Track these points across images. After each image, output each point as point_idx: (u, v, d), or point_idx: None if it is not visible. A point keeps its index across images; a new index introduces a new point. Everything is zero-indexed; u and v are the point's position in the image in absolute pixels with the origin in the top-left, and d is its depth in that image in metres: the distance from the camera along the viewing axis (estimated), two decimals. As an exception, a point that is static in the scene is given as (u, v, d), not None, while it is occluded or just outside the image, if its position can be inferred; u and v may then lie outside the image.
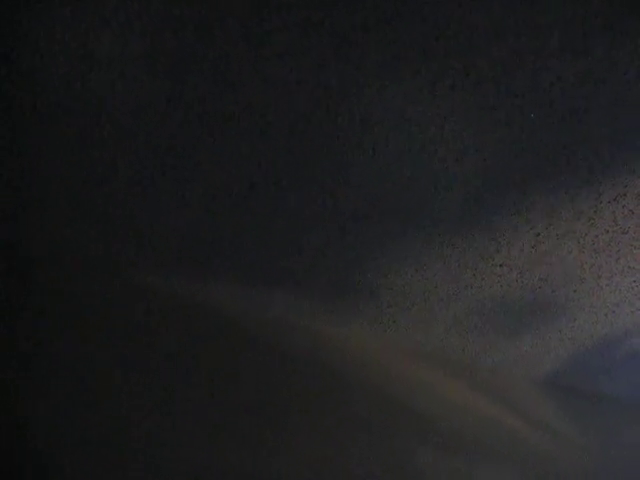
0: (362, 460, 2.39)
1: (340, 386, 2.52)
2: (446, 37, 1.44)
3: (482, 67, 1.50)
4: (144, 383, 2.08)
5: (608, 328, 2.75)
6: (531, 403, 3.13)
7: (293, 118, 1.64)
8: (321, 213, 1.97)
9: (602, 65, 1.49)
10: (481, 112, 1.62)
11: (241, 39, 1.44)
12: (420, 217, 1.99)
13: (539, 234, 2.08)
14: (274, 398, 2.32)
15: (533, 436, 3.00)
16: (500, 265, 2.24)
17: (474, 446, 2.75)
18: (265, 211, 1.96)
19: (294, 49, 1.47)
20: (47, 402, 1.91)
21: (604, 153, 1.76)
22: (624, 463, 3.27)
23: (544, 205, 1.95)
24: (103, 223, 2.01)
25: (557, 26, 1.40)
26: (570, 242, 2.13)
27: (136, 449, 1.97)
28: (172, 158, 1.76)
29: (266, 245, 2.11)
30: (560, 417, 3.19)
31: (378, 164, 1.78)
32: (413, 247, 2.13)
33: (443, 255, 2.17)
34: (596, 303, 2.53)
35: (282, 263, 2.20)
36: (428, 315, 2.54)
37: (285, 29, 1.43)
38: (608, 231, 2.08)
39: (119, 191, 1.88)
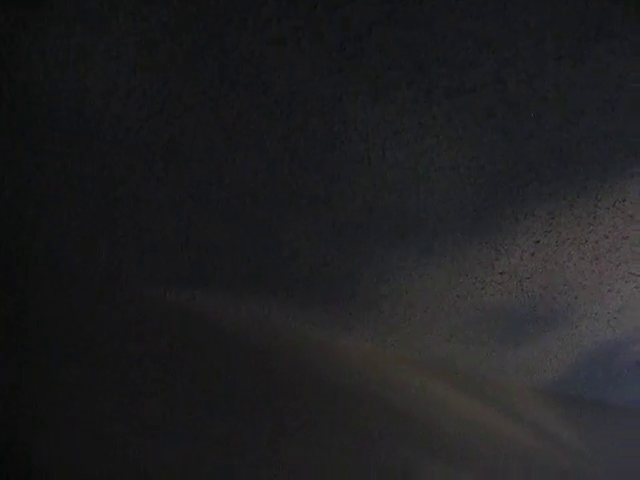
0: (362, 469, 2.37)
1: (340, 395, 2.50)
2: (440, 46, 1.43)
3: (476, 75, 1.50)
4: (140, 391, 2.06)
5: (610, 335, 2.73)
6: (534, 412, 3.11)
7: (288, 128, 1.64)
8: (318, 223, 1.96)
9: (597, 71, 1.49)
10: (477, 120, 1.61)
11: (234, 50, 1.44)
12: (418, 226, 1.98)
13: (538, 241, 2.07)
14: (273, 408, 2.30)
15: (536, 445, 2.97)
16: (500, 273, 2.22)
17: (476, 455, 2.72)
18: (262, 221, 1.95)
19: (288, 60, 1.47)
20: (41, 409, 1.89)
21: (601, 159, 1.75)
22: (629, 471, 3.24)
23: (543, 212, 1.94)
24: (99, 232, 2.00)
25: (550, 33, 1.40)
26: (570, 249, 2.12)
27: (130, 457, 1.94)
28: (168, 169, 1.76)
29: (263, 255, 2.10)
30: (563, 426, 3.16)
31: (374, 174, 1.77)
32: (412, 256, 2.12)
33: (442, 264, 2.16)
34: (598, 310, 2.51)
35: (280, 273, 2.19)
36: (428, 324, 2.53)
37: (279, 40, 1.43)
38: (608, 237, 2.07)
39: (115, 200, 1.87)
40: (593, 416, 3.35)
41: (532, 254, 2.13)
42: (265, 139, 1.67)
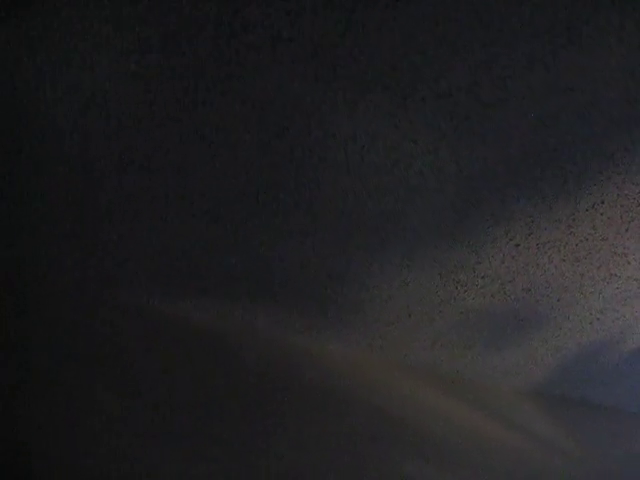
0: (351, 474, 2.36)
1: (327, 400, 2.49)
2: (415, 50, 1.44)
3: (452, 79, 1.50)
4: (133, 403, 2.05)
5: (594, 336, 2.74)
6: (521, 414, 3.12)
7: (266, 135, 1.63)
8: (299, 229, 1.96)
9: (571, 74, 1.50)
10: (454, 124, 1.62)
11: (210, 57, 1.44)
12: (399, 231, 1.98)
13: (519, 245, 2.07)
14: (260, 414, 2.29)
15: (523, 446, 2.98)
16: (482, 277, 2.23)
17: (463, 459, 2.72)
18: (243, 227, 1.95)
19: (264, 66, 1.47)
20: (34, 419, 1.87)
21: (578, 161, 1.76)
22: (615, 471, 3.25)
23: (522, 215, 1.95)
24: (89, 242, 1.99)
25: (524, 36, 1.41)
26: (550, 251, 2.13)
27: (125, 470, 1.93)
28: (151, 176, 1.75)
29: (245, 262, 2.09)
30: (550, 427, 3.17)
31: (354, 179, 1.78)
32: (394, 261, 2.12)
33: (424, 268, 2.16)
34: (580, 311, 2.52)
35: (262, 279, 2.18)
36: (413, 329, 2.53)
37: (254, 46, 1.43)
38: (588, 239, 2.08)
39: (105, 210, 1.86)
40: (579, 416, 3.36)
41: (513, 257, 2.14)
42: (243, 146, 1.67)
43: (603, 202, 1.92)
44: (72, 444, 1.90)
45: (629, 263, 2.25)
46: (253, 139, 1.65)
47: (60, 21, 1.34)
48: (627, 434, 3.53)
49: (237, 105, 1.55)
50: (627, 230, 2.06)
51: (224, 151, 1.68)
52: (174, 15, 1.35)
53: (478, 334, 2.60)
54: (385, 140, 1.66)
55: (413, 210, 1.90)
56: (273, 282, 2.20)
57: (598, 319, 2.60)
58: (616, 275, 2.32)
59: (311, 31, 1.40)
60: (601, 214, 1.97)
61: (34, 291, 2.09)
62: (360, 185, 1.80)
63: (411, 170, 1.76)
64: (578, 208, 1.94)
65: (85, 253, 2.02)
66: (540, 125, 1.64)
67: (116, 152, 1.66)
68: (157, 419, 2.09)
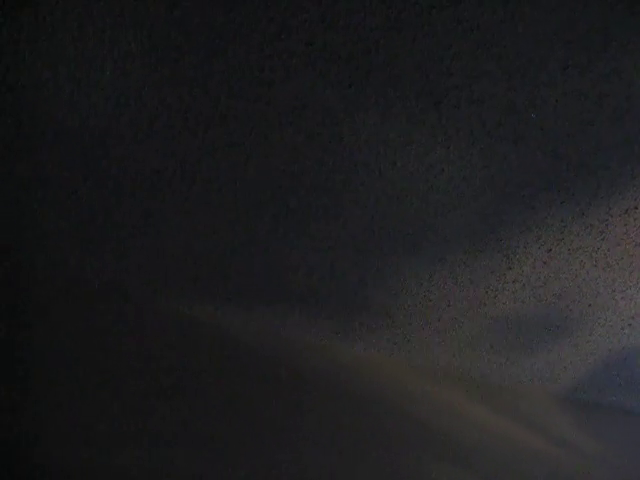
0: (376, 477, 2.36)
1: (354, 405, 2.50)
2: (448, 56, 1.45)
3: (485, 85, 1.51)
4: (151, 408, 2.07)
5: (625, 342, 2.71)
6: (550, 420, 3.09)
7: (297, 140, 1.65)
8: (329, 233, 1.97)
9: (605, 79, 1.49)
10: (486, 129, 1.62)
11: (242, 63, 1.46)
12: (430, 236, 1.99)
13: (550, 250, 2.06)
14: (287, 419, 2.30)
15: (553, 453, 2.95)
16: (512, 282, 2.22)
17: (491, 464, 2.70)
18: (273, 232, 1.96)
19: (297, 72, 1.49)
20: (44, 421, 1.90)
21: (612, 166, 1.75)
22: (648, 479, 3.20)
23: (554, 220, 1.94)
24: (107, 247, 2.02)
25: (558, 42, 1.41)
26: (582, 256, 2.11)
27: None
28: (176, 182, 1.78)
29: (274, 267, 2.11)
30: (580, 434, 3.13)
31: (385, 184, 1.78)
32: (424, 266, 2.12)
33: (454, 273, 2.16)
34: (611, 317, 2.50)
35: (291, 285, 2.20)
36: (441, 333, 2.52)
37: (287, 53, 1.45)
38: (620, 244, 2.07)
39: (123, 215, 1.89)
40: (610, 422, 3.32)
41: (544, 262, 2.12)
42: (275, 151, 1.68)
43: (636, 207, 1.90)
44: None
45: (662, 269, 2.22)
46: (285, 144, 1.66)
47: (75, 20, 1.37)
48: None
49: (269, 110, 1.57)
50: (660, 235, 2.04)
51: (255, 156, 1.70)
52: (206, 21, 1.37)
53: (508, 339, 2.59)
54: (417, 146, 1.67)
55: (444, 215, 1.91)
56: (301, 288, 2.22)
57: (630, 324, 2.57)
58: (648, 281, 2.29)
59: (345, 37, 1.41)
60: (634, 219, 1.95)
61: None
62: (391, 190, 1.81)
63: (443, 176, 1.76)
64: (611, 213, 1.92)
65: (103, 255, 2.05)
66: (573, 131, 1.63)
67: (142, 157, 1.69)
68: (171, 420, 2.11)
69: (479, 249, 2.05)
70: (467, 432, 2.75)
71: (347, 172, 1.75)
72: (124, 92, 1.51)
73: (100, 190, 1.79)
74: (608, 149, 1.70)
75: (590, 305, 2.39)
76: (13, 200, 1.82)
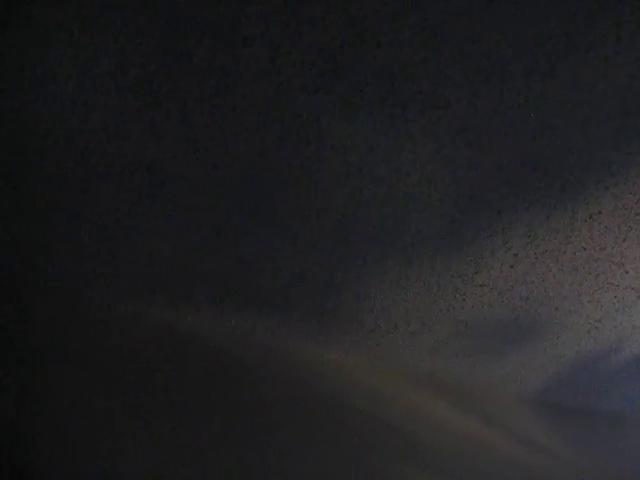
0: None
1: (326, 409, 2.49)
2: (412, 62, 1.44)
3: (450, 90, 1.51)
4: (127, 411, 2.04)
5: (592, 344, 2.75)
6: (520, 422, 3.11)
7: (264, 145, 1.64)
8: (297, 238, 1.96)
9: (568, 85, 1.50)
10: (452, 135, 1.63)
11: (209, 68, 1.44)
12: (397, 240, 1.98)
13: (517, 254, 2.08)
14: (258, 422, 2.29)
15: (522, 455, 2.97)
16: (480, 286, 2.23)
17: (463, 467, 2.71)
18: (241, 237, 1.95)
19: (263, 78, 1.47)
20: (32, 427, 1.87)
21: (575, 171, 1.77)
22: (615, 477, 3.25)
23: (521, 224, 1.95)
24: (82, 251, 1.98)
25: (521, 49, 1.42)
26: (549, 260, 2.13)
27: (125, 470, 1.92)
28: (150, 186, 1.75)
29: (244, 270, 2.09)
30: (550, 435, 3.17)
31: (352, 189, 1.78)
32: (392, 270, 2.12)
33: (422, 277, 2.16)
34: (578, 320, 2.53)
35: (261, 289, 2.18)
36: (411, 337, 2.53)
37: (253, 59, 1.43)
38: (586, 248, 2.09)
39: (99, 219, 1.86)
40: (578, 424, 3.36)
41: (511, 266, 2.14)
42: (242, 156, 1.67)
43: (601, 212, 1.92)
44: (71, 444, 1.89)
45: (627, 272, 2.25)
46: (252, 149, 1.65)
47: (59, 27, 1.34)
48: (625, 440, 3.53)
49: (235, 115, 1.56)
50: (625, 240, 2.07)
51: (223, 161, 1.68)
52: (173, 26, 1.35)
53: (476, 343, 2.60)
54: (383, 150, 1.67)
55: (411, 220, 1.91)
56: (271, 292, 2.20)
57: (596, 327, 2.60)
58: (614, 284, 2.32)
59: (310, 43, 1.40)
60: (599, 224, 1.98)
61: (32, 295, 2.09)
62: (358, 195, 1.81)
63: (409, 180, 1.76)
64: (576, 218, 1.94)
65: (84, 263, 2.02)
66: (538, 136, 1.64)
67: (118, 162, 1.66)
68: (154, 430, 2.08)
69: (446, 253, 2.05)
70: (438, 435, 2.76)
71: (314, 177, 1.74)
72: (100, 96, 1.48)
73: (65, 192, 1.76)
74: (572, 154, 1.72)
75: (557, 308, 2.42)
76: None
